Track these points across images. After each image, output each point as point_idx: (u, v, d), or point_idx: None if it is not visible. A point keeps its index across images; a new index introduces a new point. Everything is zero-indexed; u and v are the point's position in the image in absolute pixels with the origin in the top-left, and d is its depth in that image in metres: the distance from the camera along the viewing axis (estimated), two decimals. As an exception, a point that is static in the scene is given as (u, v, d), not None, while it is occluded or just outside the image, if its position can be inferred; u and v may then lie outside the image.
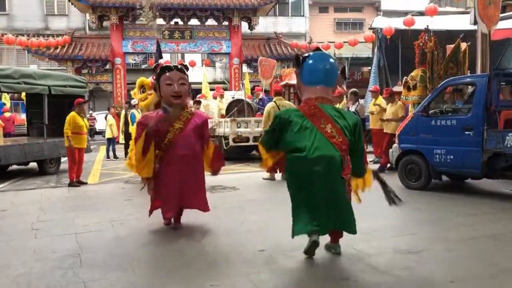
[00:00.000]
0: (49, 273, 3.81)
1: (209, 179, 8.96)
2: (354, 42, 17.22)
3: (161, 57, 10.11)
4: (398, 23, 14.60)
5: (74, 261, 4.10)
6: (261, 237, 4.82)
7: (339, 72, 4.21)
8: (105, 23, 23.21)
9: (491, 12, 6.43)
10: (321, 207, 3.88)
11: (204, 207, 5.20)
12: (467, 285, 3.40)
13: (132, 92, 9.06)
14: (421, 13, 14.42)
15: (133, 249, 4.51)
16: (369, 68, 17.68)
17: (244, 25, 23.74)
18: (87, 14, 24.20)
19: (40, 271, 3.86)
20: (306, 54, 4.23)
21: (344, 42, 18.23)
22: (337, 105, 9.37)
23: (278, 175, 8.35)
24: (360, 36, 18.28)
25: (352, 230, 4.05)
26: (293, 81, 15.92)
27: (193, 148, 4.97)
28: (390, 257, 4.07)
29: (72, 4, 22.81)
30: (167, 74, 4.87)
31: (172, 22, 23.10)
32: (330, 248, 4.22)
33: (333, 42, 19.31)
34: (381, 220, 5.41)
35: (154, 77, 5.02)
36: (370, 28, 16.46)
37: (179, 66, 4.99)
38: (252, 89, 16.65)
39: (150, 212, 5.23)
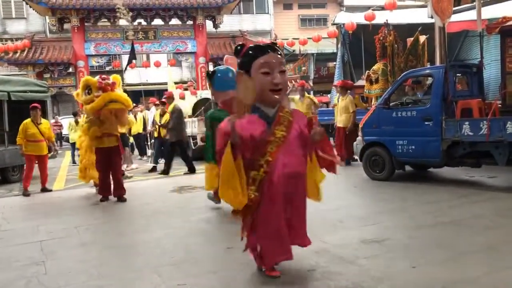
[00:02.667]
0: (12, 282, 3.73)
1: (178, 180, 8.98)
2: (318, 38, 17.39)
3: (134, 58, 9.36)
4: (360, 18, 14.83)
5: (38, 269, 4.02)
6: (229, 234, 4.84)
7: None
8: (66, 26, 22.66)
9: (444, 6, 6.64)
10: None
11: (308, 241, 3.67)
12: (428, 269, 3.52)
13: (74, 94, 8.12)
14: (382, 8, 14.70)
15: (99, 254, 4.46)
16: (335, 63, 17.91)
17: (209, 24, 23.64)
18: (47, 17, 23.57)
19: (3, 281, 3.77)
20: (213, 69, 5.97)
21: (309, 38, 18.38)
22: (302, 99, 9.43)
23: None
24: (324, 32, 18.47)
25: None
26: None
27: (300, 163, 3.27)
28: (356, 247, 4.17)
29: (30, 7, 22.17)
30: (263, 58, 3.03)
31: (135, 23, 22.78)
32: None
33: (298, 38, 19.44)
34: (347, 211, 5.53)
35: (239, 63, 3.10)
36: (333, 24, 16.66)
37: (276, 45, 3.20)
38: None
39: (246, 249, 3.66)
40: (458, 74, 7.51)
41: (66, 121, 20.77)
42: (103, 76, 7.12)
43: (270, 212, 3.19)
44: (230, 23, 26.50)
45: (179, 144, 9.84)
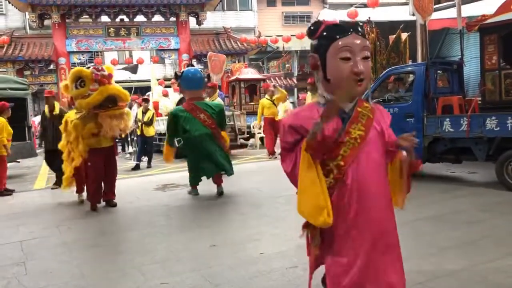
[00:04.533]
0: (-8, 284, 3.67)
1: (161, 177, 8.93)
2: (301, 35, 17.44)
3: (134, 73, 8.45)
4: (343, 16, 14.91)
5: (19, 270, 3.96)
6: (212, 232, 4.84)
7: (205, 79, 7.27)
8: (46, 22, 22.30)
9: (425, 4, 6.73)
10: (204, 163, 6.64)
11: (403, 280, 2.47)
12: (409, 264, 3.56)
13: (62, 86, 6.91)
14: (365, 5, 14.79)
15: (81, 253, 4.41)
16: (318, 60, 17.97)
17: (192, 21, 23.52)
18: (27, 13, 23.15)
19: (-18, 283, 3.71)
20: (182, 70, 7.00)
21: (292, 35, 18.44)
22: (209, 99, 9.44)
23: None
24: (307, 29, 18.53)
25: (229, 173, 6.89)
26: (244, 75, 16.04)
27: (380, 171, 2.41)
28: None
29: (10, 2, 21.76)
30: (343, 40, 2.27)
31: (117, 19, 22.53)
32: (218, 190, 6.85)
33: (281, 35, 19.49)
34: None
35: (314, 45, 2.38)
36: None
37: (360, 25, 2.41)
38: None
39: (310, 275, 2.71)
40: (439, 71, 7.61)
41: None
42: (97, 66, 6.33)
43: (340, 232, 2.33)
44: (214, 19, 26.42)
45: None
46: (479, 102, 6.80)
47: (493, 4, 7.71)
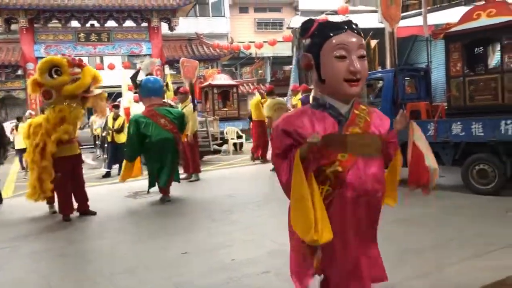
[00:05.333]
0: (-46, 297, 3.55)
1: (132, 185, 8.82)
2: (273, 42, 17.58)
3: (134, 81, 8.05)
4: (314, 22, 15.12)
5: (-16, 281, 3.85)
6: (183, 239, 4.81)
7: (164, 87, 7.93)
8: (14, 27, 21.76)
9: (393, 12, 6.88)
10: (160, 170, 6.78)
11: (385, 276, 2.59)
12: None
13: (29, 82, 6.15)
14: (335, 12, 15.03)
15: (50, 263, 4.32)
16: (291, 66, 18.15)
17: (165, 26, 23.38)
18: (-7, 17, 22.55)
19: None
20: (140, 79, 7.31)
21: (264, 42, 18.55)
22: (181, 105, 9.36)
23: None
24: (280, 36, 18.71)
25: (177, 180, 7.23)
26: (217, 81, 16.02)
27: (377, 179, 2.30)
28: (309, 248, 4.23)
29: (-26, 6, 21.14)
30: (337, 38, 2.13)
31: (88, 24, 22.19)
32: (163, 199, 6.89)
33: (254, 42, 19.58)
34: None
35: (307, 44, 2.28)
36: (288, 28, 16.90)
37: (354, 23, 2.24)
38: (176, 90, 16.44)
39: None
40: (407, 78, 7.79)
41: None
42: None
43: (335, 243, 2.19)
44: (187, 25, 26.30)
45: None
46: (446, 107, 6.98)
47: (458, 13, 7.95)
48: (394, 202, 2.57)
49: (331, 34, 2.12)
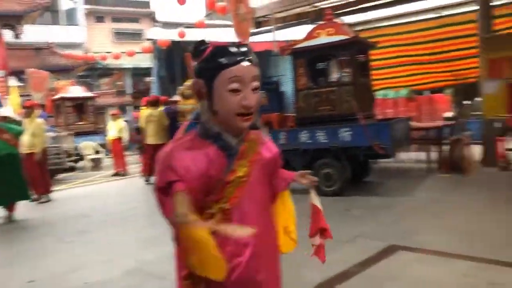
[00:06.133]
0: None
1: None
2: (131, 53, 17.10)
3: None
4: (173, 35, 15.13)
5: None
6: (31, 266, 4.41)
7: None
8: None
9: (244, 28, 7.25)
10: (3, 188, 6.49)
11: None
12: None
13: None
14: (193, 26, 15.26)
15: None
16: (152, 78, 17.87)
17: (10, 33, 21.24)
18: None
19: None
20: None
21: (123, 52, 17.96)
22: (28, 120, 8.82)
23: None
24: (139, 47, 18.28)
25: (26, 198, 7.04)
26: (70, 93, 15.04)
27: (265, 211, 2.16)
28: (169, 262, 4.21)
29: None
30: (233, 70, 1.91)
31: None
32: (9, 217, 6.77)
33: (111, 52, 18.86)
34: (162, 226, 5.54)
35: (198, 67, 2.02)
36: (147, 39, 16.66)
37: (250, 50, 2.01)
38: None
39: None
40: (261, 90, 8.22)
41: None
42: None
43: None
44: (37, 34, 24.28)
45: None
46: (295, 118, 7.54)
47: (306, 31, 8.66)
48: (290, 247, 2.31)
49: (227, 64, 1.92)
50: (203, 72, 1.98)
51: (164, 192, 1.92)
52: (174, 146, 2.02)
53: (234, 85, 1.90)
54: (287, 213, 2.27)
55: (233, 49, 1.96)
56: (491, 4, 8.56)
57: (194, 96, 1.98)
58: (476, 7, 8.74)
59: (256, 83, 1.96)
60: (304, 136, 6.81)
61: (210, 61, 1.97)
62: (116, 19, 30.22)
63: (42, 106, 14.83)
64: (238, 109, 1.93)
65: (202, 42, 2.01)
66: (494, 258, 3.71)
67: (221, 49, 1.97)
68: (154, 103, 9.68)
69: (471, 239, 4.32)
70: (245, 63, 1.93)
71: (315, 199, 2.26)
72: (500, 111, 7.56)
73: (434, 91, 13.28)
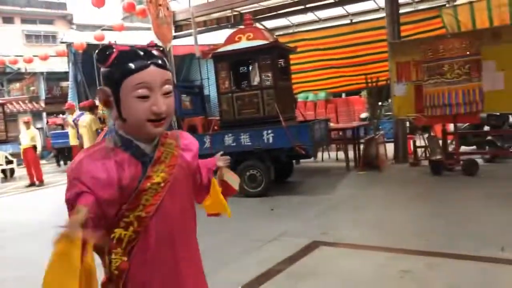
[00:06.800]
0: None
1: None
2: (45, 57, 16.20)
3: None
4: (90, 37, 14.58)
5: None
6: None
7: None
8: None
9: (165, 31, 7.18)
10: None
11: None
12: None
13: None
14: (112, 28, 14.79)
15: None
16: (68, 82, 17.03)
17: None
18: None
19: None
20: None
21: (35, 56, 16.96)
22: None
23: None
24: (53, 50, 17.35)
25: None
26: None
27: (188, 214, 2.07)
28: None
29: None
30: (138, 76, 1.80)
31: None
32: None
33: (22, 56, 17.72)
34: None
35: (104, 73, 1.88)
36: (62, 42, 15.87)
37: (161, 51, 1.87)
38: None
39: None
40: (183, 94, 8.19)
41: None
42: None
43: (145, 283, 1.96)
44: None
45: None
46: (219, 121, 7.60)
47: (226, 35, 8.75)
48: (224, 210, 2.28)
49: (133, 70, 1.82)
50: (110, 79, 1.88)
51: (73, 204, 1.80)
52: (83, 156, 1.94)
53: (142, 91, 1.81)
54: (218, 196, 2.22)
55: (140, 53, 1.87)
56: (398, 12, 9.21)
57: (101, 104, 1.87)
58: (384, 14, 9.36)
59: (167, 87, 1.86)
60: (228, 139, 6.89)
61: (115, 67, 1.87)
62: (27, 21, 28.42)
63: None
64: (148, 116, 1.84)
65: (107, 46, 1.92)
66: (405, 248, 4.02)
67: (127, 53, 1.88)
68: (90, 108, 9.19)
69: (385, 231, 4.65)
70: (153, 68, 1.85)
71: (229, 178, 2.28)
72: (409, 111, 8.14)
73: (351, 93, 14.03)
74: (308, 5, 11.07)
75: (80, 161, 1.87)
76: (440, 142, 7.79)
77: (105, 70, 1.89)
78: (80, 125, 9.00)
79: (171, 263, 1.95)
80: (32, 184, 10.96)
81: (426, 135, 8.27)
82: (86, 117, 8.79)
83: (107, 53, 1.89)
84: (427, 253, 3.83)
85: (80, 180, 1.81)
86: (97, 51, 1.89)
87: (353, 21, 12.16)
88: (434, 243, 4.08)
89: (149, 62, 1.83)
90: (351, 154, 8.96)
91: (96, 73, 14.89)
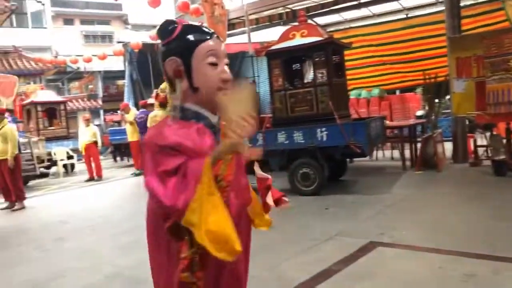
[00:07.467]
0: None
1: None
2: (103, 56, 16.85)
3: None
4: (146, 37, 14.99)
5: None
6: (8, 275, 4.32)
7: None
8: None
9: (219, 30, 7.25)
10: None
11: None
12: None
13: None
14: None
15: None
16: (124, 81, 17.62)
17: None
18: None
19: None
20: None
21: (93, 55, 17.66)
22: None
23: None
24: (110, 49, 18.00)
25: None
26: (40, 98, 14.71)
27: (248, 188, 2.11)
28: (149, 267, 4.18)
29: None
30: (208, 43, 1.85)
31: None
32: None
33: (82, 55, 18.52)
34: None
35: (168, 49, 1.87)
36: (119, 42, 16.45)
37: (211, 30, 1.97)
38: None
39: None
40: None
41: None
42: None
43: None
44: (2, 37, 23.63)
45: None
46: (272, 119, 7.58)
47: (279, 32, 8.74)
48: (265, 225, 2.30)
49: (204, 38, 1.88)
50: (178, 50, 1.90)
51: (167, 175, 1.75)
52: (164, 130, 1.87)
53: (212, 59, 1.85)
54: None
55: (201, 26, 1.94)
56: (459, 5, 8.82)
57: (171, 75, 1.88)
58: (442, 8, 8.99)
59: (227, 60, 1.92)
60: (281, 137, 6.87)
61: (183, 38, 1.89)
62: (85, 22, 29.71)
63: (10, 111, 14.45)
64: (218, 83, 1.86)
65: (170, 21, 1.94)
66: (467, 251, 3.84)
67: (191, 26, 1.93)
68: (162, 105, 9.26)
69: (444, 233, 4.46)
70: (216, 38, 1.91)
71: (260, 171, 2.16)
72: (469, 109, 7.78)
73: (405, 90, 13.61)
74: (362, 0, 10.84)
75: (161, 131, 1.82)
76: (504, 141, 7.40)
77: (170, 42, 1.90)
78: (152, 120, 8.92)
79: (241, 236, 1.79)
80: (91, 179, 11.44)
81: (488, 134, 7.88)
82: (159, 112, 8.71)
83: (171, 27, 1.91)
84: (491, 257, 3.64)
85: (173, 148, 1.75)
86: (158, 27, 1.92)
87: (409, 15, 11.80)
88: (498, 247, 3.87)
89: (211, 33, 1.89)
90: (407, 153, 8.70)
91: (150, 72, 15.34)
